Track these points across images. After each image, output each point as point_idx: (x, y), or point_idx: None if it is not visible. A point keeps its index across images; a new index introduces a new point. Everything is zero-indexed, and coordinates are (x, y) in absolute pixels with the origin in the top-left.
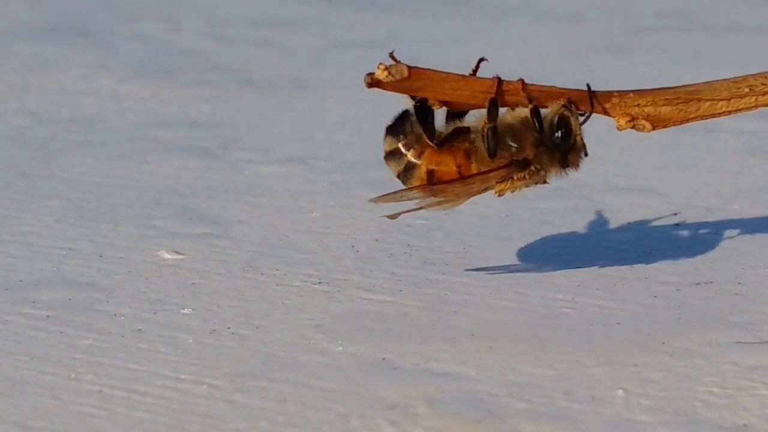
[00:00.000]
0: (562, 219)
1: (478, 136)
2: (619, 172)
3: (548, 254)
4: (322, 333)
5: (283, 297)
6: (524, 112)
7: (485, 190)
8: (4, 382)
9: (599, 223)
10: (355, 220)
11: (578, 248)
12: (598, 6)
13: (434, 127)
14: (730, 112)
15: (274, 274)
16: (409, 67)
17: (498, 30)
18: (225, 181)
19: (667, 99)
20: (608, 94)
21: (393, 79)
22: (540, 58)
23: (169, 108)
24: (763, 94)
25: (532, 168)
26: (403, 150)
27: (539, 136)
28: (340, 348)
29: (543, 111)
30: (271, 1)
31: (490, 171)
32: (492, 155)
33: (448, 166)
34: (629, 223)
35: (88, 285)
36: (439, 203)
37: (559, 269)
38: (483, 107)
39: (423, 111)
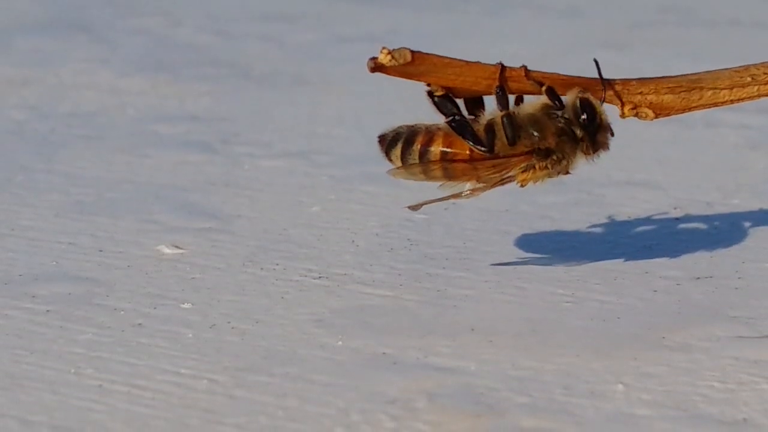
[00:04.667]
0: (563, 213)
1: (498, 125)
2: (619, 167)
3: (548, 249)
4: (322, 327)
5: (283, 291)
6: (543, 100)
7: (508, 179)
8: (4, 376)
9: (599, 218)
10: (355, 214)
11: (578, 242)
12: (598, 0)
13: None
14: (732, 101)
15: (274, 269)
16: (413, 52)
17: (498, 24)
18: (225, 175)
19: (669, 87)
20: (611, 82)
21: (396, 64)
22: (540, 52)
23: (168, 102)
24: (765, 84)
25: (554, 157)
26: (409, 147)
27: (562, 123)
28: (340, 342)
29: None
30: None
31: (511, 157)
32: (511, 143)
33: (460, 148)
34: (629, 218)
35: (87, 279)
36: (461, 194)
37: (560, 264)
38: (486, 93)
39: (443, 101)
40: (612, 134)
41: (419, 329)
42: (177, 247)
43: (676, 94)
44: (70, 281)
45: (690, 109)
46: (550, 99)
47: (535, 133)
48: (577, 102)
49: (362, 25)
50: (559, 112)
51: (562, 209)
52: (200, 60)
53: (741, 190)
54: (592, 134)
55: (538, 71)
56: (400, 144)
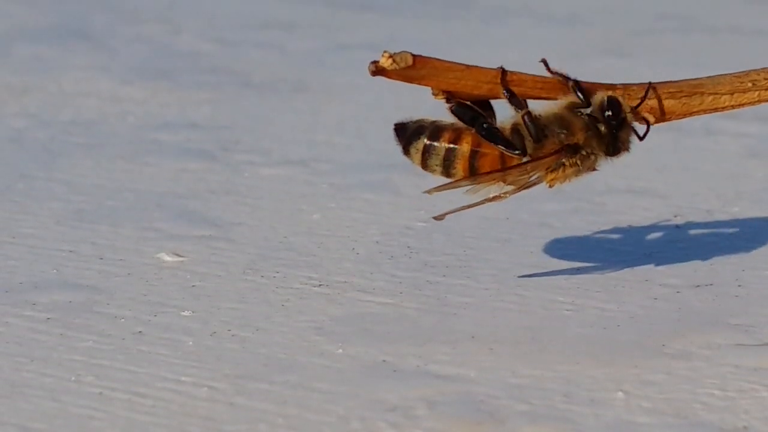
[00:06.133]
0: (563, 221)
1: (521, 125)
2: (619, 174)
3: (548, 256)
4: (322, 335)
5: (283, 299)
6: (566, 99)
7: (536, 181)
8: (5, 384)
9: (600, 226)
10: (356, 222)
11: (578, 250)
12: (598, 8)
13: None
14: (733, 107)
15: (275, 277)
16: (414, 56)
17: (498, 32)
18: (225, 183)
19: (670, 92)
20: (611, 87)
21: (397, 67)
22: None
23: (169, 110)
24: (766, 89)
25: (583, 153)
26: (433, 142)
27: (587, 119)
28: (341, 350)
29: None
30: (271, 4)
31: (542, 158)
32: (536, 140)
33: (490, 148)
34: (629, 226)
35: (88, 287)
36: (490, 198)
37: (560, 271)
38: (487, 98)
39: (463, 109)
40: (639, 137)
41: (419, 337)
42: (177, 254)
43: (676, 99)
44: (71, 289)
45: (691, 114)
46: (576, 94)
47: (562, 131)
48: (605, 99)
49: (362, 32)
50: (583, 110)
51: (562, 217)
52: (200, 67)
53: (741, 198)
54: (616, 132)
55: (539, 76)
56: (424, 138)
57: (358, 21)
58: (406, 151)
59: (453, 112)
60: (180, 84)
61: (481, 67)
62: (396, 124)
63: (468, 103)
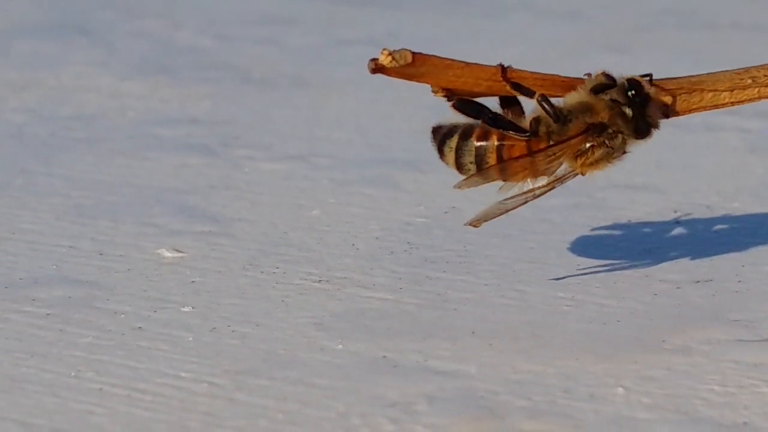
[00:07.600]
0: (563, 217)
1: (541, 113)
2: (619, 170)
3: (548, 252)
4: (322, 331)
5: (283, 295)
6: (588, 85)
7: (570, 175)
8: (4, 379)
9: (600, 221)
10: (356, 217)
11: (578, 246)
12: (598, 4)
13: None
14: (733, 104)
15: (274, 272)
16: (413, 53)
17: (498, 27)
18: (225, 178)
19: (670, 89)
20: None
21: (397, 65)
22: (540, 55)
23: (169, 105)
24: (766, 86)
25: (610, 131)
26: (465, 140)
27: (610, 102)
28: (340, 346)
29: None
30: None
31: (568, 139)
32: (557, 119)
33: (515, 140)
34: (629, 221)
35: (88, 283)
36: (524, 195)
37: (560, 267)
38: (487, 95)
39: (466, 105)
40: (665, 115)
41: (419, 332)
42: (177, 250)
43: (676, 96)
44: (71, 284)
45: (690, 111)
46: (605, 79)
47: (586, 113)
48: (625, 81)
49: (362, 28)
50: (606, 95)
51: (562, 212)
52: (200, 63)
53: (741, 194)
54: (642, 111)
55: (539, 73)
56: (457, 136)
57: (358, 16)
58: (441, 152)
59: (455, 108)
60: (180, 79)
61: (481, 64)
62: (433, 127)
63: (469, 99)
